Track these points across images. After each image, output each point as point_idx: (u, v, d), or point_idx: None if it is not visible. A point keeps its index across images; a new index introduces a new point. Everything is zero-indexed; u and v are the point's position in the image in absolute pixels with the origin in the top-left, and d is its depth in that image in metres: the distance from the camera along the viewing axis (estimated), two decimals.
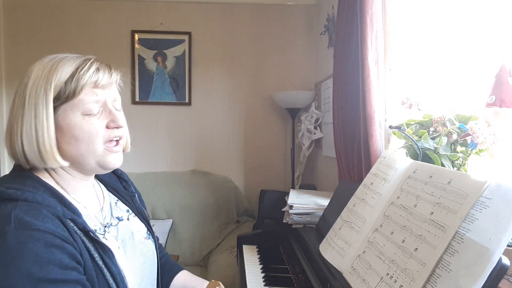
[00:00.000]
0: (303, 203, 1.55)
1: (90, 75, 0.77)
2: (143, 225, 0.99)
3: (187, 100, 2.84)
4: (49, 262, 0.67)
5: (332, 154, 2.16)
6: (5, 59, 2.75)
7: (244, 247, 1.66)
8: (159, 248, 1.05)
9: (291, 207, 1.52)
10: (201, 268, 2.43)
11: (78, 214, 0.77)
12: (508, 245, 0.67)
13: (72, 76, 0.76)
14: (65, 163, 0.78)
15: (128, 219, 0.95)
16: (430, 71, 1.51)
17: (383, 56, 1.48)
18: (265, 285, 1.28)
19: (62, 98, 0.76)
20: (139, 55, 2.80)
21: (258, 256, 1.56)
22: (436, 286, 0.70)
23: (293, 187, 2.66)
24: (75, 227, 0.74)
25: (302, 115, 2.62)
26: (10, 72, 2.75)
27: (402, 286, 0.76)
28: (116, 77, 0.84)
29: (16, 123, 0.76)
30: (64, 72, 0.77)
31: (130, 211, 0.98)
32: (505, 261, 0.63)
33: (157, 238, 1.06)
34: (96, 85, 0.79)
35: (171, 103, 2.84)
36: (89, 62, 0.79)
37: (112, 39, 2.79)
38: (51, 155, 0.76)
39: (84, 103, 0.77)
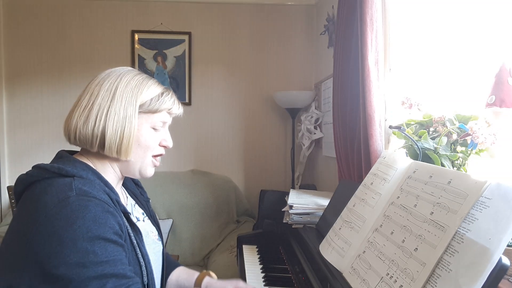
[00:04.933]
0: (303, 203, 1.55)
1: (171, 102, 0.94)
2: (154, 228, 1.07)
3: (187, 100, 2.84)
4: (105, 224, 0.76)
5: (332, 154, 2.16)
6: (5, 59, 2.75)
7: (244, 247, 1.66)
8: None
9: (291, 207, 1.52)
10: (201, 268, 2.43)
11: (119, 198, 0.87)
12: (508, 245, 0.67)
13: (158, 96, 0.92)
14: (132, 159, 0.91)
15: (143, 220, 1.04)
16: (430, 71, 1.51)
17: (383, 56, 1.48)
18: (265, 285, 1.28)
19: (144, 109, 0.90)
20: (139, 55, 2.80)
21: (258, 256, 1.56)
22: (436, 286, 0.70)
23: (293, 187, 2.66)
24: (117, 207, 0.84)
25: (302, 115, 2.62)
26: (10, 72, 2.75)
27: (402, 286, 0.76)
28: (182, 110, 1.00)
29: (101, 112, 0.86)
30: (153, 90, 0.92)
31: (145, 214, 1.07)
32: (505, 261, 0.63)
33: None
34: (169, 111, 0.95)
35: None
36: (171, 93, 0.96)
37: (112, 39, 2.79)
38: (129, 149, 0.88)
39: (156, 120, 0.93)
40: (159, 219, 2.53)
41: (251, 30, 2.87)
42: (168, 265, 1.16)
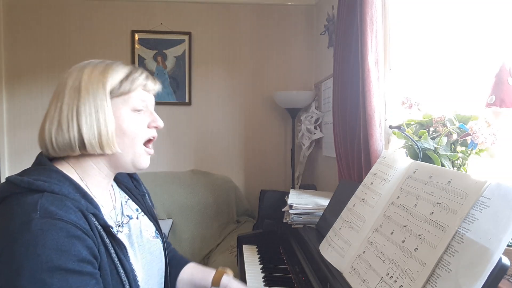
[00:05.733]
0: (303, 203, 1.55)
1: (142, 78, 0.89)
2: (151, 224, 1.02)
3: (187, 100, 2.84)
4: (68, 252, 0.70)
5: (332, 154, 2.16)
6: (5, 59, 2.75)
7: (244, 247, 1.66)
8: (166, 245, 1.07)
9: (291, 207, 1.52)
10: None
11: (99, 210, 0.80)
12: (508, 245, 0.67)
13: (127, 76, 0.87)
14: (119, 150, 0.84)
15: (137, 217, 0.98)
16: (430, 71, 1.51)
17: (383, 56, 1.48)
18: (265, 285, 1.28)
19: (116, 93, 0.85)
20: (139, 55, 2.80)
21: (258, 256, 1.56)
22: (436, 286, 0.70)
23: (293, 187, 2.66)
24: (96, 222, 0.77)
25: (302, 115, 2.62)
26: (10, 72, 2.74)
27: (402, 286, 0.76)
28: (159, 85, 0.95)
29: (71, 111, 0.81)
30: (120, 72, 0.86)
31: (140, 210, 1.01)
32: (505, 261, 0.63)
33: (166, 236, 1.07)
34: (145, 87, 0.90)
35: (171, 103, 2.84)
36: (140, 69, 0.91)
37: (112, 39, 2.79)
38: (111, 140, 0.82)
39: (135, 100, 0.87)
40: (159, 219, 2.53)
41: (251, 30, 2.87)
42: (178, 263, 1.12)
